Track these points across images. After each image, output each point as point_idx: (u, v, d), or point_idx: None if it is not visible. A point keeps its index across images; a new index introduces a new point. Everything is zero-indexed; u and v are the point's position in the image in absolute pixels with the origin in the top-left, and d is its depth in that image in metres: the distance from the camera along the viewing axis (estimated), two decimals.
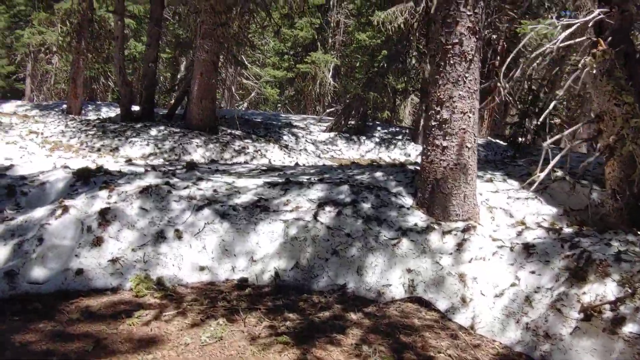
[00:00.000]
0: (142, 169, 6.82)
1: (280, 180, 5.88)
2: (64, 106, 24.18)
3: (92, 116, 23.85)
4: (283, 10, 20.71)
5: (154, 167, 7.14)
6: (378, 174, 6.12)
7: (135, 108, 17.99)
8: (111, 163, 10.14)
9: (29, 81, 32.86)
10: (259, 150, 14.44)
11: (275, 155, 14.42)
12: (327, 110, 24.65)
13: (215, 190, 5.51)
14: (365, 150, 19.90)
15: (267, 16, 17.77)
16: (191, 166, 8.07)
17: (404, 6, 18.34)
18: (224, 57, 16.48)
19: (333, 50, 31.92)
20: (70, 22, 23.58)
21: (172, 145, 13.92)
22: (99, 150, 13.48)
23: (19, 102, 25.86)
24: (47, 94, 33.96)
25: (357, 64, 33.32)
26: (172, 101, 20.73)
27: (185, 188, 5.50)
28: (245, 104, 33.55)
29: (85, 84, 29.94)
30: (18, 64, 34.87)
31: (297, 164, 9.41)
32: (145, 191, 5.27)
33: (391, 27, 18.35)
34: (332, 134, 20.59)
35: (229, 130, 15.98)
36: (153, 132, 14.62)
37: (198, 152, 13.82)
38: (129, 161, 8.99)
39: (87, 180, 5.83)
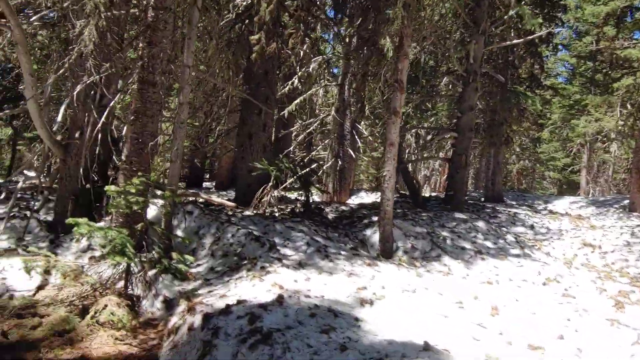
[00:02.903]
0: None
1: None
2: (625, 202, 19.36)
3: None
4: None
5: None
6: None
7: None
8: None
9: (584, 173, 29.34)
10: None
11: None
12: None
13: None
14: None
15: None
16: None
17: None
18: None
19: None
20: (632, 104, 19.23)
21: None
22: None
23: (572, 199, 22.40)
24: (604, 186, 29.66)
25: None
26: None
27: None
28: None
29: None
30: (574, 156, 32.21)
31: None
32: None
33: None
34: None
35: None
36: None
37: None
38: None
39: None
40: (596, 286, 6.43)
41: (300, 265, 5.97)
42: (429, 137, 23.15)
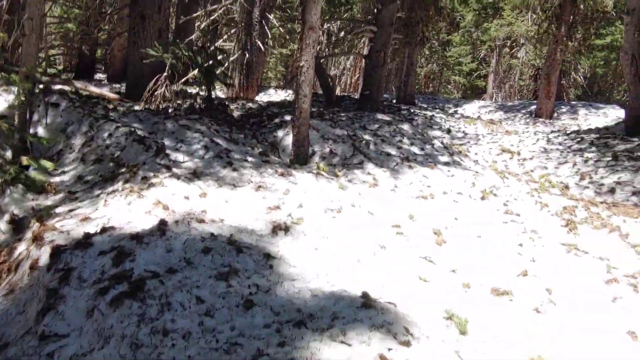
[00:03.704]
0: None
1: None
2: (532, 108, 19.33)
3: (566, 120, 18.26)
4: None
5: None
6: None
7: None
8: None
9: (491, 78, 29.32)
10: None
11: None
12: None
13: None
14: None
15: None
16: None
17: None
18: None
19: None
20: (549, 6, 18.74)
21: None
22: (611, 191, 7.68)
23: (481, 103, 22.17)
24: (508, 91, 29.94)
25: None
26: None
27: None
28: None
29: None
30: (480, 61, 32.04)
31: None
32: None
33: None
34: None
35: None
36: None
37: None
38: None
39: None
40: (535, 200, 5.65)
41: (195, 175, 4.61)
42: (342, 33, 21.62)
